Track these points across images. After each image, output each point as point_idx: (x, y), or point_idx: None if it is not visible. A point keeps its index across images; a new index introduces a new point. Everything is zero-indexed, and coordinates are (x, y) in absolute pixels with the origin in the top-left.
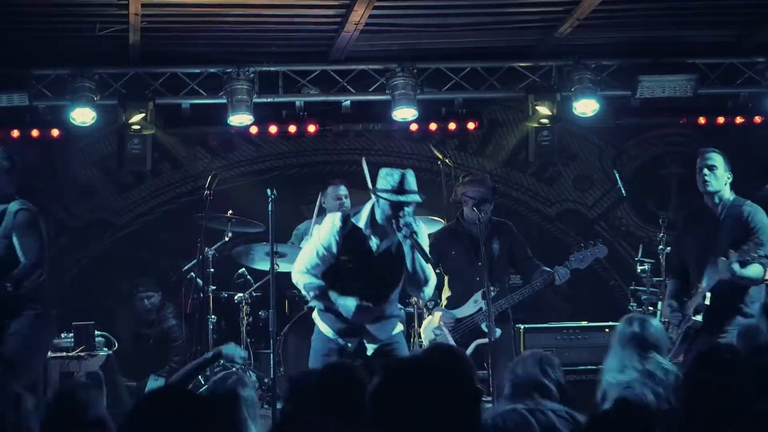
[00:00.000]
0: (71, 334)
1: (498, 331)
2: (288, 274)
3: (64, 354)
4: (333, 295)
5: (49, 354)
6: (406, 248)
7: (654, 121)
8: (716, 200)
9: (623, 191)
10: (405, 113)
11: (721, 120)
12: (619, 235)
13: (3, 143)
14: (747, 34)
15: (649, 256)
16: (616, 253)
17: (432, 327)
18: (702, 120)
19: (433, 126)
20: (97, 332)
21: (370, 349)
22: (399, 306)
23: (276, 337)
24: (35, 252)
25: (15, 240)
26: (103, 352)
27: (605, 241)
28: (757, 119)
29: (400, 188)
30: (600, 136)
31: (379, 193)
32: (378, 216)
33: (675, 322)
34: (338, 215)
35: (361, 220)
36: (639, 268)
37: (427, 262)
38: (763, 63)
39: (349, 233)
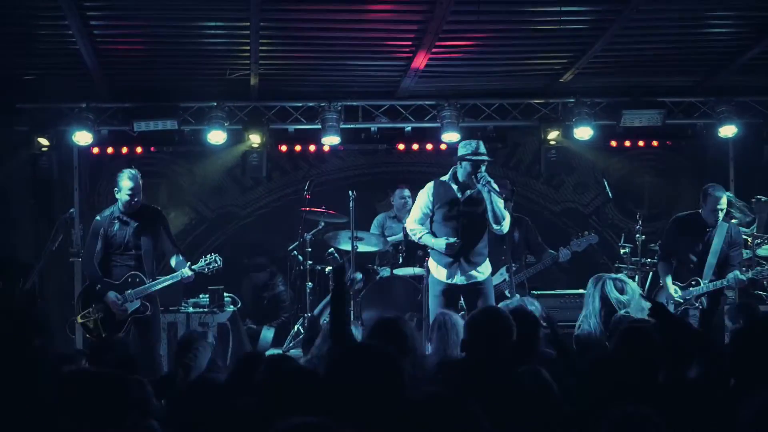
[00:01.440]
0: (207, 296)
1: (517, 296)
2: (365, 253)
3: (201, 309)
4: (429, 237)
5: (191, 309)
6: (485, 194)
7: (633, 143)
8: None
9: (610, 194)
10: (451, 137)
11: (681, 143)
12: (607, 227)
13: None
14: (703, 80)
15: (629, 242)
16: (604, 240)
17: None
18: (669, 143)
19: None
20: (225, 294)
21: (462, 280)
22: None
23: (355, 300)
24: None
25: (165, 233)
26: (230, 309)
27: (597, 231)
28: (709, 143)
29: (476, 152)
30: (593, 154)
31: (462, 157)
32: (460, 175)
33: (680, 301)
34: (431, 182)
35: (447, 178)
36: (621, 251)
37: (502, 201)
38: (714, 101)
39: (439, 189)
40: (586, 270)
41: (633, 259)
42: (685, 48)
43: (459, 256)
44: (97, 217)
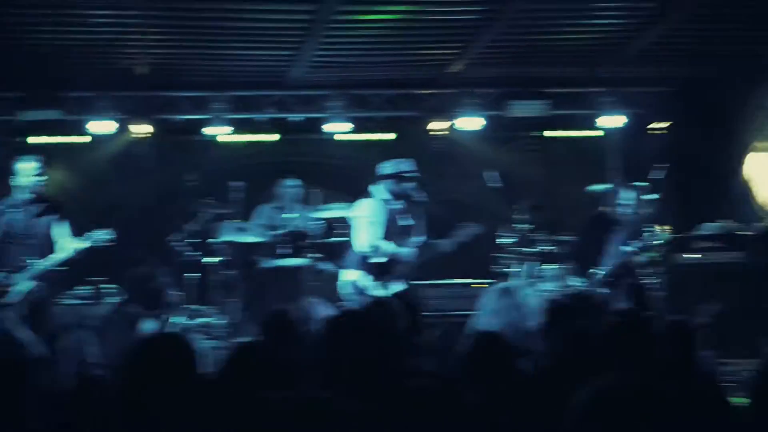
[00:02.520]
0: (88, 287)
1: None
2: (248, 244)
3: (82, 301)
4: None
5: (71, 301)
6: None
7: (522, 133)
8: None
9: (494, 184)
10: (340, 127)
11: (568, 133)
12: (491, 217)
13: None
14: (588, 71)
15: (513, 233)
16: (488, 230)
17: None
18: (555, 134)
19: (360, 136)
20: (107, 286)
21: None
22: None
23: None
24: None
25: (60, 221)
26: (111, 300)
27: (481, 222)
28: (596, 133)
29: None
30: (480, 144)
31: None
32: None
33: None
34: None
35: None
36: (506, 242)
37: None
38: (600, 92)
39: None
40: (471, 260)
41: (517, 249)
42: (573, 38)
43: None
44: None
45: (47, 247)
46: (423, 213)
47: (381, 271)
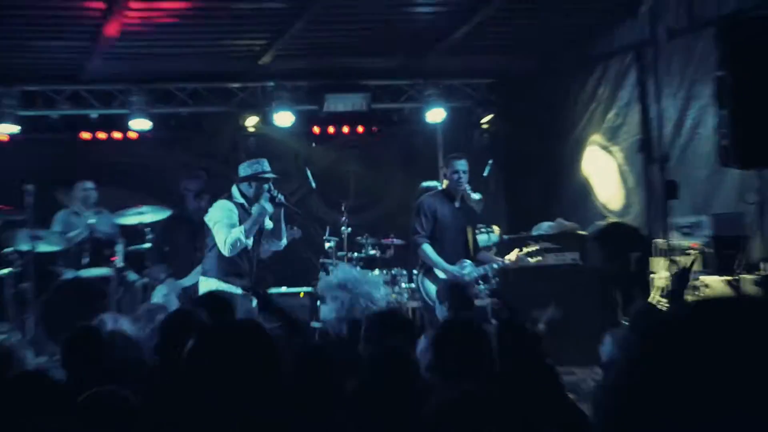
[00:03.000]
0: None
1: None
2: (46, 254)
3: None
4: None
5: None
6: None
7: (337, 129)
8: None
9: (313, 184)
10: (141, 124)
11: (389, 129)
12: (311, 219)
13: None
14: (410, 62)
15: (334, 235)
16: (308, 233)
17: None
18: (375, 129)
19: (164, 134)
20: None
21: None
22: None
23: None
24: None
25: None
26: None
27: (300, 225)
28: (417, 128)
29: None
30: (295, 141)
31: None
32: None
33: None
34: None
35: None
36: (326, 245)
37: None
38: (421, 84)
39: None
40: (291, 266)
41: (339, 252)
42: (391, 28)
43: None
44: None
45: None
46: (282, 215)
47: (239, 275)
